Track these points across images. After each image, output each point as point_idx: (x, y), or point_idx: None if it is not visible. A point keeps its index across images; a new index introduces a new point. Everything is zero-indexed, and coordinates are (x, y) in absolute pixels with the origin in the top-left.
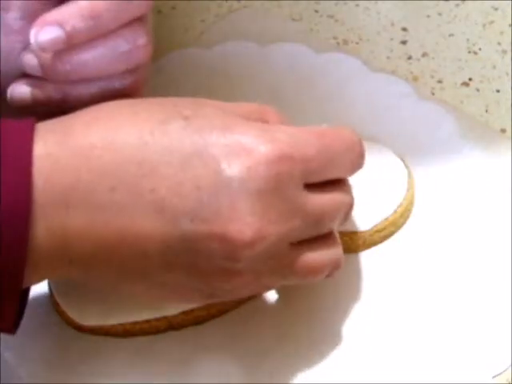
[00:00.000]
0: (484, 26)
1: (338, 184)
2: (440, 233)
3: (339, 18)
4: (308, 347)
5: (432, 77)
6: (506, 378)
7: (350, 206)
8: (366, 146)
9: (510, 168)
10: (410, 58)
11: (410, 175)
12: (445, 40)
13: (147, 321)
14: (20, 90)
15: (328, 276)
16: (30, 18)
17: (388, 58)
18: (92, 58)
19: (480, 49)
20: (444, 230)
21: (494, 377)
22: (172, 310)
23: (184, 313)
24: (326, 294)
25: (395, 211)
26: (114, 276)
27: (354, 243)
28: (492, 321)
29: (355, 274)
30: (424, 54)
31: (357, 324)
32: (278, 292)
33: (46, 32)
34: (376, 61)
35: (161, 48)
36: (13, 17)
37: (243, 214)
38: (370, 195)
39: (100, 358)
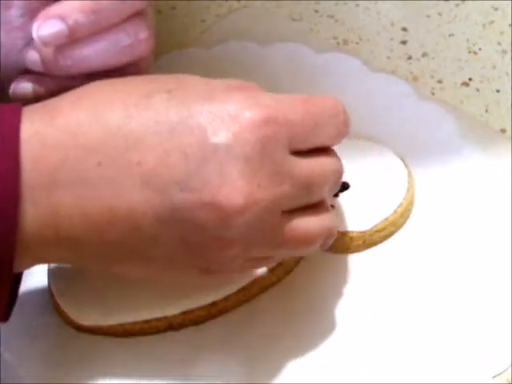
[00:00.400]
0: (484, 25)
1: (325, 151)
2: (440, 233)
3: (339, 18)
4: (308, 347)
5: (432, 77)
6: (506, 378)
7: (339, 173)
8: (366, 146)
9: (510, 168)
10: (409, 58)
11: (410, 175)
12: (445, 40)
13: (147, 321)
14: (22, 86)
15: (322, 247)
16: (31, 14)
17: (388, 58)
18: (93, 52)
19: (480, 49)
20: (444, 230)
21: (493, 377)
22: (172, 309)
23: (184, 313)
24: (326, 294)
25: (395, 211)
26: (106, 256)
27: (353, 243)
28: (492, 321)
29: (355, 273)
30: (424, 54)
31: (357, 324)
32: (278, 292)
33: (48, 26)
34: (376, 61)
35: (161, 48)
36: (14, 14)
37: (232, 180)
38: (370, 195)
39: (100, 358)
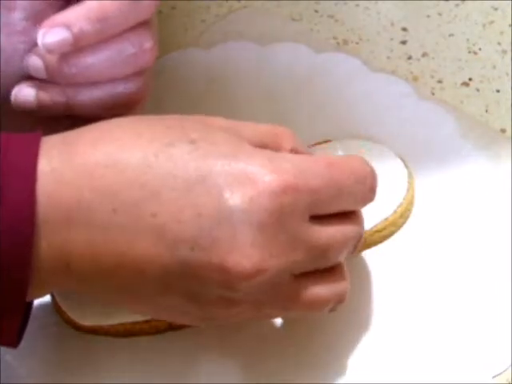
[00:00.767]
0: (484, 25)
1: (347, 215)
2: (440, 233)
3: (339, 18)
4: (308, 347)
5: (432, 77)
6: (506, 378)
7: (360, 238)
8: (366, 146)
9: (510, 168)
10: (409, 58)
11: (410, 175)
12: (445, 40)
13: (147, 321)
14: (24, 93)
15: (331, 310)
16: (35, 18)
17: (388, 58)
18: (98, 61)
19: (480, 49)
20: (444, 230)
21: (493, 377)
22: None
23: None
24: None
25: (395, 211)
26: (114, 294)
27: None
28: (492, 321)
29: (355, 274)
30: (424, 54)
31: (356, 324)
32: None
33: (53, 34)
34: (376, 61)
35: (161, 48)
36: (17, 17)
37: (243, 246)
38: None
39: (100, 358)
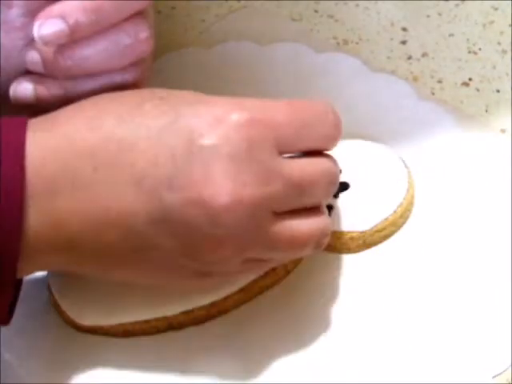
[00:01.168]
0: (484, 25)
1: (317, 153)
2: (440, 233)
3: (339, 18)
4: (308, 347)
5: (432, 77)
6: (506, 378)
7: (334, 174)
8: (366, 146)
9: (510, 168)
10: (409, 58)
11: (409, 175)
12: (445, 40)
13: (147, 321)
14: (23, 87)
15: (316, 248)
16: (32, 14)
17: (388, 58)
18: (94, 52)
19: (480, 49)
20: (444, 230)
21: (493, 377)
22: (172, 309)
23: (184, 313)
24: (326, 294)
25: (395, 211)
26: (105, 259)
27: (353, 243)
28: (492, 321)
29: (355, 273)
30: (424, 54)
31: (357, 324)
32: (278, 292)
33: (49, 25)
34: (376, 61)
35: (161, 48)
36: (15, 13)
37: (216, 178)
38: (370, 195)
39: (100, 357)
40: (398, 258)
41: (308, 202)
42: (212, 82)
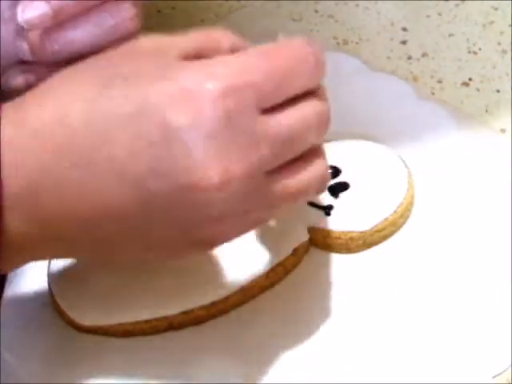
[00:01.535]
0: (484, 26)
1: (303, 96)
2: (440, 233)
3: (339, 18)
4: (308, 347)
5: (432, 77)
6: (506, 378)
7: (325, 114)
8: (366, 146)
9: (510, 168)
10: (409, 58)
11: (409, 175)
12: (445, 40)
13: (147, 321)
14: (13, 76)
15: (318, 192)
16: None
17: (388, 58)
18: (79, 34)
19: (480, 49)
20: (444, 230)
21: (493, 377)
22: (172, 309)
23: (184, 313)
24: (326, 294)
25: (395, 211)
26: (102, 250)
27: (353, 243)
28: (492, 321)
29: (355, 273)
30: (424, 54)
31: (357, 324)
32: (278, 292)
33: (32, 8)
34: (376, 61)
35: None
36: (4, 5)
37: (202, 160)
38: (370, 195)
39: (100, 357)
40: (397, 258)
41: (301, 150)
42: None
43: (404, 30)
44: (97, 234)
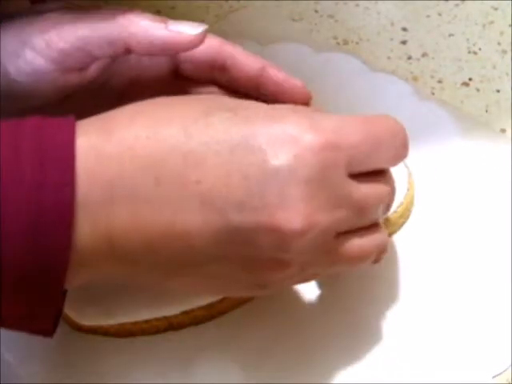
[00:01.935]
0: (484, 26)
1: (380, 174)
2: (440, 233)
3: (339, 18)
4: (308, 347)
5: (432, 77)
6: (506, 378)
7: (392, 197)
8: None
9: (510, 168)
10: (409, 58)
11: (409, 175)
12: (445, 40)
13: (147, 321)
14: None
15: (375, 262)
16: None
17: (388, 58)
18: None
19: (480, 49)
20: (444, 229)
21: (493, 377)
22: (172, 309)
23: (184, 313)
24: (326, 295)
25: (395, 211)
26: (162, 271)
27: None
28: (492, 321)
29: (355, 273)
30: (424, 54)
31: (357, 324)
32: (277, 294)
33: None
34: (376, 61)
35: None
36: None
37: (291, 202)
38: None
39: (100, 358)
40: (398, 258)
41: (369, 221)
42: None
43: (404, 30)
44: (161, 256)
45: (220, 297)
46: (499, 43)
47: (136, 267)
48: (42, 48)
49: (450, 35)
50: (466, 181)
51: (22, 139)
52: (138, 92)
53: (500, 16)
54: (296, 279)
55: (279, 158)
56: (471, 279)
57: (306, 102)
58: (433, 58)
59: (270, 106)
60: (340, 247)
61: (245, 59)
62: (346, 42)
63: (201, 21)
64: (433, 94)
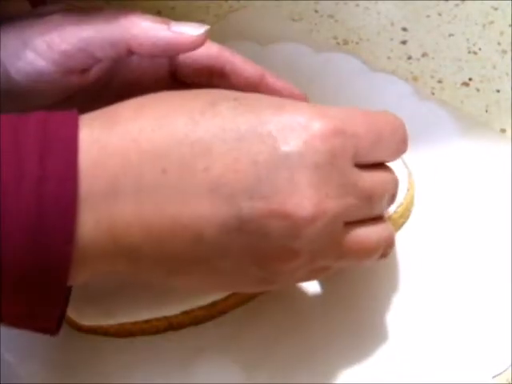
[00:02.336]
0: (484, 26)
1: (382, 167)
2: (440, 233)
3: (339, 18)
4: (309, 347)
5: (432, 77)
6: (506, 378)
7: (396, 187)
8: None
9: (510, 168)
10: (409, 58)
11: (409, 175)
12: (445, 40)
13: (147, 321)
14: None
15: (382, 256)
16: None
17: (388, 58)
18: None
19: (480, 49)
20: (444, 230)
21: (493, 377)
22: (172, 309)
23: (184, 313)
24: (327, 294)
25: (395, 211)
26: (167, 267)
27: None
28: (492, 321)
29: (355, 273)
30: (424, 54)
31: (357, 324)
32: (278, 293)
33: None
34: (376, 61)
35: None
36: None
37: (302, 188)
38: None
39: (100, 358)
40: (398, 258)
41: (375, 212)
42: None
43: (404, 30)
44: (166, 251)
45: (224, 295)
46: (499, 43)
47: (139, 264)
48: (44, 49)
49: (450, 35)
50: (466, 181)
51: (25, 133)
52: (138, 95)
53: (500, 16)
54: (304, 272)
55: (289, 144)
56: (471, 279)
57: None
58: (433, 58)
59: (274, 97)
60: (349, 237)
61: (244, 65)
62: (345, 42)
63: (201, 21)
64: (433, 93)
